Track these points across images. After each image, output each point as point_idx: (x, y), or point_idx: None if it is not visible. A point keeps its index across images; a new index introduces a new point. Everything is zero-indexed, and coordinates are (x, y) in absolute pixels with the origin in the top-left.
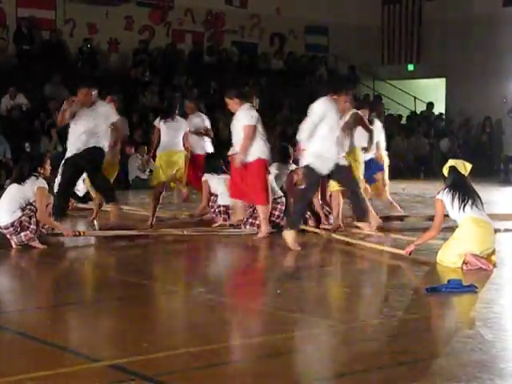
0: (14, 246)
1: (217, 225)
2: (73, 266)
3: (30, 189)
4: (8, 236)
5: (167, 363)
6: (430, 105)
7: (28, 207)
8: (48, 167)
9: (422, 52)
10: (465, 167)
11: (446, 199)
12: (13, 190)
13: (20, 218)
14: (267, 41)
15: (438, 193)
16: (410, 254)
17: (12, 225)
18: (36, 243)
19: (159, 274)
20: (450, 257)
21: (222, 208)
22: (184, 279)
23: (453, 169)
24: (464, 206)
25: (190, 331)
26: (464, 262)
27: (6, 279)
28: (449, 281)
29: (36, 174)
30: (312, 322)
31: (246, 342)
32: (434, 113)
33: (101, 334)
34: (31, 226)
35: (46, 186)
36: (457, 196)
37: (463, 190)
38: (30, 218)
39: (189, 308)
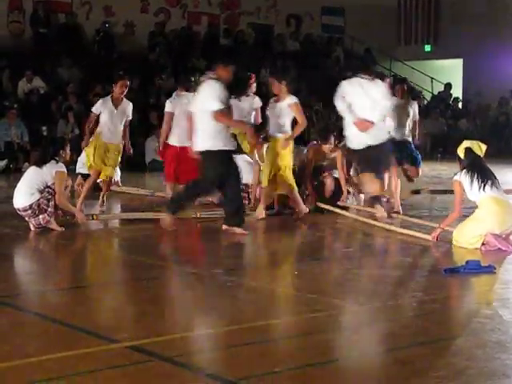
0: (32, 228)
1: None
2: (90, 247)
3: (49, 172)
4: (26, 219)
5: (185, 344)
6: (448, 86)
7: (46, 190)
8: (68, 151)
9: (439, 33)
10: (480, 148)
11: (464, 180)
12: (31, 172)
13: (38, 200)
14: (283, 22)
15: (455, 174)
16: (436, 239)
17: (30, 207)
18: (54, 225)
19: (176, 256)
20: (469, 238)
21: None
22: (201, 260)
23: (469, 150)
24: (484, 185)
25: (208, 312)
26: (483, 243)
27: (25, 261)
28: (467, 262)
29: (56, 158)
30: (331, 303)
31: (265, 323)
32: (451, 94)
33: (119, 315)
34: (49, 209)
35: (65, 170)
36: (475, 177)
37: (482, 171)
38: (48, 200)
39: (207, 289)
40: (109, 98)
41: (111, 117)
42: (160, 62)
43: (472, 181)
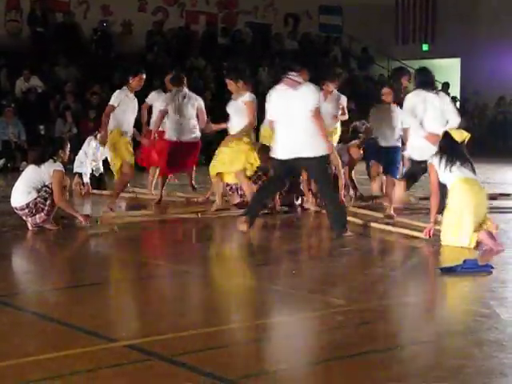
0: (29, 227)
1: (234, 203)
2: (88, 247)
3: (47, 171)
4: (24, 218)
5: (183, 344)
6: (446, 85)
7: (44, 189)
8: (68, 152)
9: (437, 32)
10: (460, 134)
11: (435, 162)
12: (29, 171)
13: (35, 199)
14: (281, 21)
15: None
16: (429, 235)
17: (27, 206)
18: (50, 225)
19: (174, 255)
20: (462, 237)
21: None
22: (198, 260)
23: (446, 133)
24: (451, 165)
25: (205, 312)
26: (477, 242)
27: (23, 261)
28: (464, 261)
29: (55, 157)
30: (329, 302)
31: (262, 322)
32: (449, 93)
33: (117, 315)
34: (46, 208)
35: (63, 169)
36: (445, 158)
37: (452, 152)
38: (46, 199)
39: (204, 289)
40: (126, 89)
41: (128, 109)
42: (158, 62)
43: (440, 161)
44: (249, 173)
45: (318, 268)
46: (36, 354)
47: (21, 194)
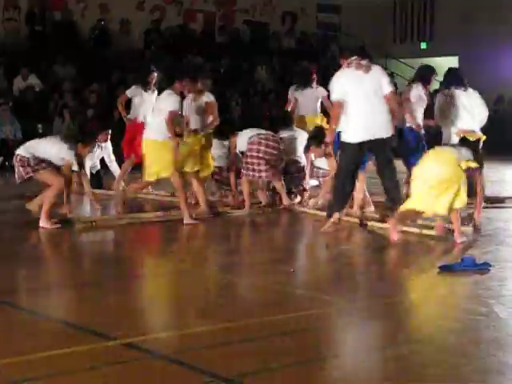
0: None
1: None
2: (86, 245)
3: (56, 148)
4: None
5: (182, 342)
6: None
7: (35, 160)
8: (88, 150)
9: (435, 30)
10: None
11: None
12: (47, 139)
13: (23, 157)
14: (279, 20)
15: None
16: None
17: (16, 156)
18: (49, 225)
19: (173, 253)
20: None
21: (215, 169)
22: (197, 258)
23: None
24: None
25: (204, 310)
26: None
27: (22, 259)
28: (462, 259)
29: (75, 143)
30: (326, 300)
31: (260, 320)
32: None
33: (115, 313)
34: (21, 170)
35: (71, 160)
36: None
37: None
38: (24, 166)
39: (203, 287)
40: (173, 92)
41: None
42: (156, 60)
43: None
44: (205, 174)
45: (316, 266)
46: (34, 352)
47: (23, 146)
